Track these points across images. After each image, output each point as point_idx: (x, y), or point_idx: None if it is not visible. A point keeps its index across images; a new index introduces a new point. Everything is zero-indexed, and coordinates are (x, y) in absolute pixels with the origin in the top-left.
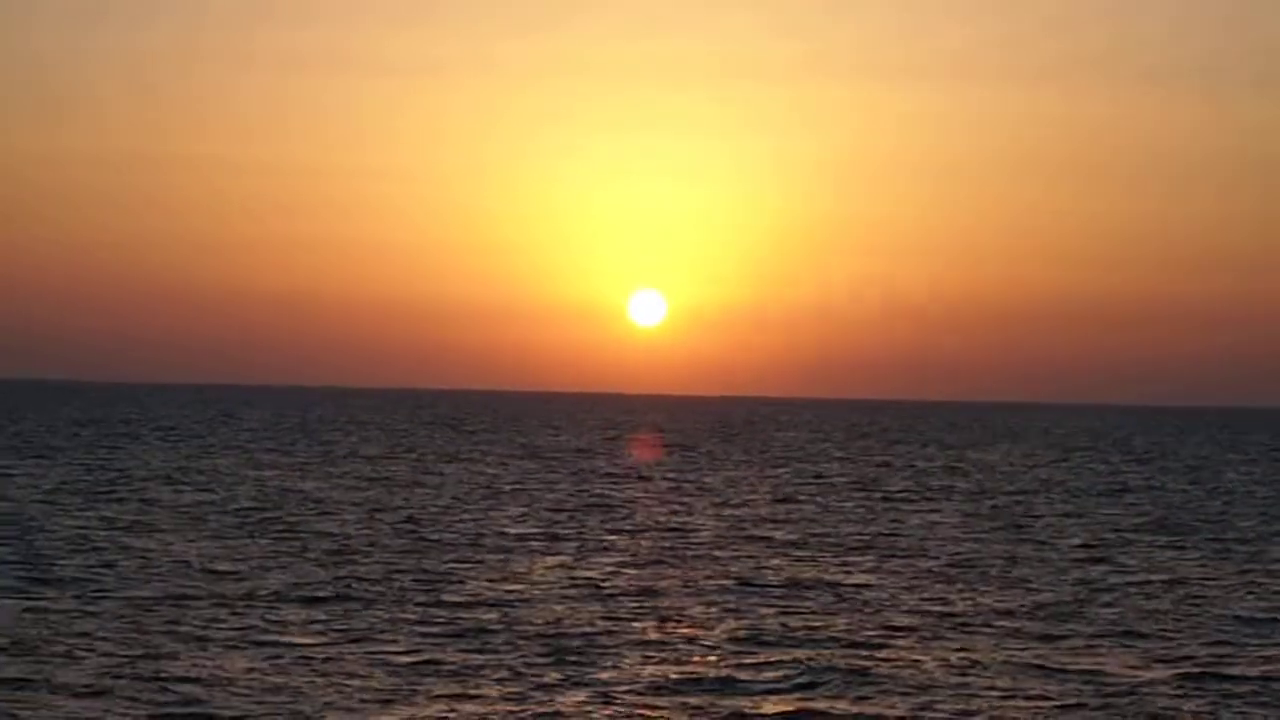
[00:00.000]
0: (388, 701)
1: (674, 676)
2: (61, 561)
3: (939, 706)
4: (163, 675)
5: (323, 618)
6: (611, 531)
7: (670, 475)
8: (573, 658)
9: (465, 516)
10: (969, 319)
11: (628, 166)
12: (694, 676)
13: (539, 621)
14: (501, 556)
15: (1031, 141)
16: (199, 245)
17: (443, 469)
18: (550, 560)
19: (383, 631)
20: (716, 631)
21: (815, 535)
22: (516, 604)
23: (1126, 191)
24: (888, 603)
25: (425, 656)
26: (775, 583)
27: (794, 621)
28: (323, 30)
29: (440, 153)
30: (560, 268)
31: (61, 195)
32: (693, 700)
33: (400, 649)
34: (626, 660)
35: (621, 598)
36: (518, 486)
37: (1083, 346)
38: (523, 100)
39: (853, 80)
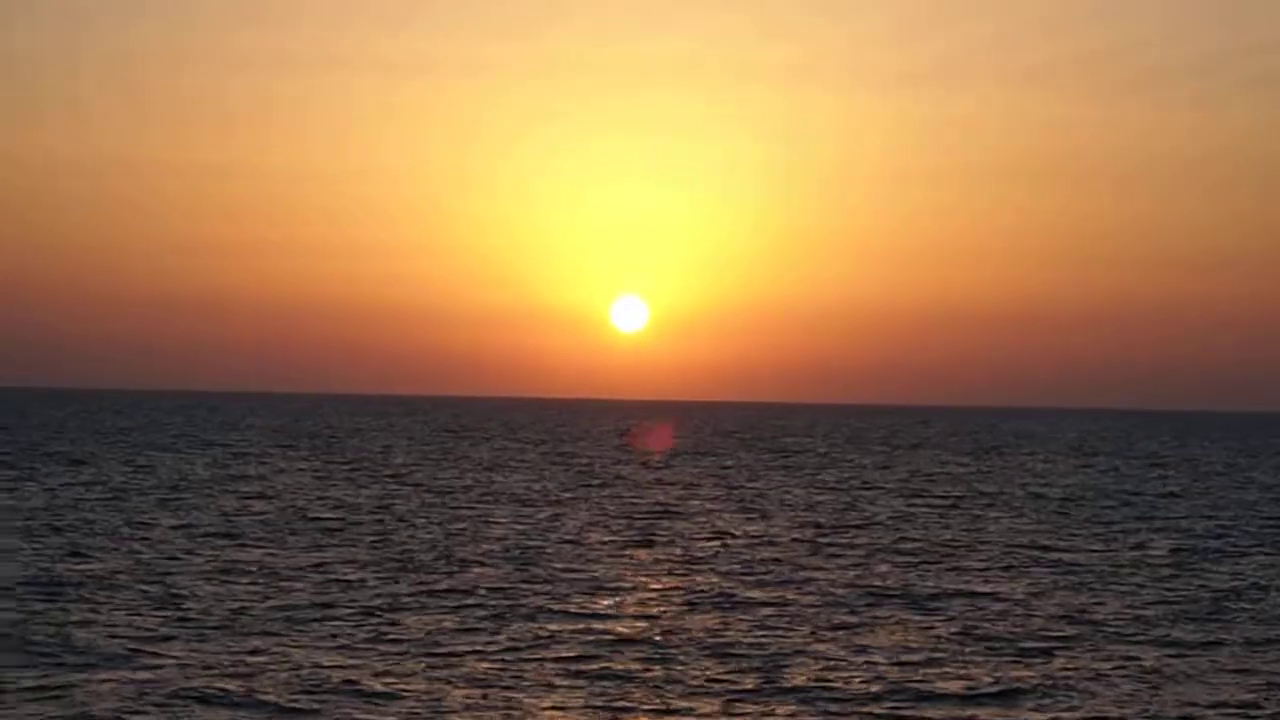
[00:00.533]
0: (607, 711)
1: (869, 687)
2: (174, 574)
3: (1155, 715)
4: (364, 690)
5: (479, 626)
6: (704, 539)
7: (719, 482)
8: (753, 666)
9: (544, 524)
10: (956, 324)
11: (611, 170)
12: (893, 686)
13: (697, 630)
14: (609, 565)
15: (1022, 146)
16: (181, 249)
17: (491, 477)
18: (662, 568)
19: (549, 639)
20: (880, 640)
21: (905, 541)
22: (661, 614)
23: (1116, 195)
24: (1027, 610)
25: (605, 665)
26: (898, 590)
27: (949, 629)
28: (307, 33)
29: (423, 155)
30: (543, 273)
31: (43, 198)
32: (905, 710)
33: (576, 655)
34: (811, 669)
35: (762, 607)
36: (573, 494)
37: (1072, 351)
38: (507, 103)
39: (841, 84)
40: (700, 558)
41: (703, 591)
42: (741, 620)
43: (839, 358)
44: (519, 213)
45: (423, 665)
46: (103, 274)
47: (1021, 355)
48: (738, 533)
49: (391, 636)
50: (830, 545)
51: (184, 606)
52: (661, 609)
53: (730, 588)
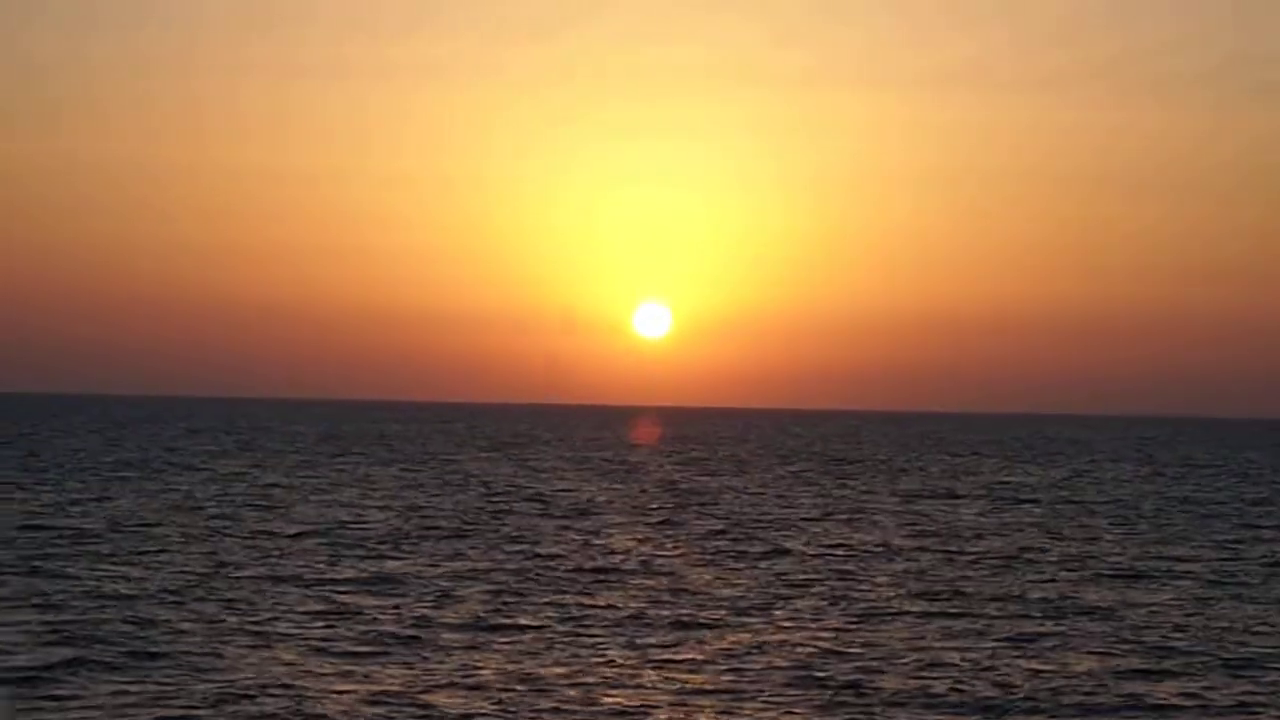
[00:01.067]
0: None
1: (1096, 698)
2: (330, 585)
3: None
4: (616, 707)
5: (673, 640)
6: (831, 548)
7: (805, 491)
8: (970, 677)
9: (662, 535)
10: (975, 329)
11: (631, 174)
12: (1123, 700)
13: (892, 643)
14: (756, 576)
15: (1036, 151)
16: (198, 253)
17: (582, 486)
18: (811, 579)
19: (756, 650)
20: (1079, 652)
21: (1029, 551)
22: (845, 625)
23: (1130, 200)
24: (1207, 622)
25: (826, 675)
26: (1059, 600)
27: (1139, 640)
28: (324, 36)
29: (442, 159)
30: (565, 278)
31: (60, 201)
32: None
33: (791, 665)
34: (1034, 681)
35: (939, 619)
36: (669, 505)
37: (1087, 356)
38: (526, 107)
39: (857, 89)
40: (843, 569)
41: (869, 602)
42: (927, 630)
43: (858, 364)
44: (540, 217)
45: (652, 679)
46: (119, 277)
47: (1041, 361)
48: (854, 542)
49: (598, 650)
50: (958, 555)
51: (363, 619)
52: (842, 621)
53: (891, 598)
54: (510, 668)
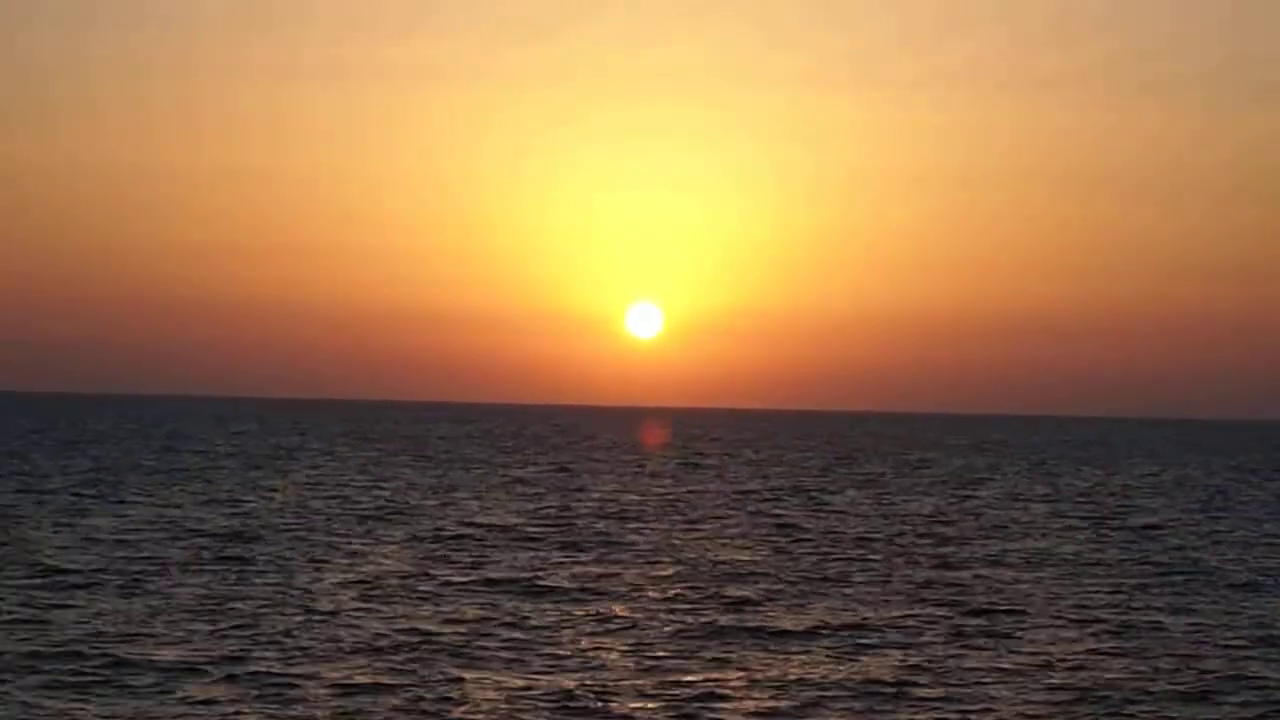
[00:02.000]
0: None
1: None
2: (566, 592)
3: None
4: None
5: (952, 649)
6: (1004, 554)
7: (906, 495)
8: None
9: (823, 540)
10: (968, 330)
11: (625, 176)
12: None
13: (1198, 650)
14: (983, 581)
15: (1031, 153)
16: (196, 253)
17: (684, 493)
18: (1026, 581)
19: (1031, 657)
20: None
21: (1211, 567)
22: (1124, 637)
23: (1125, 202)
24: None
25: (1081, 693)
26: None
27: None
28: (322, 37)
29: (436, 161)
30: (557, 279)
31: (56, 203)
32: None
33: (1103, 681)
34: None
35: (1243, 629)
36: (800, 505)
37: (1081, 359)
38: (520, 109)
39: (851, 91)
40: (1046, 576)
41: (1118, 610)
42: (1226, 642)
43: (850, 365)
44: (534, 218)
45: (974, 692)
46: (117, 278)
47: (1034, 362)
48: (1023, 549)
49: (897, 656)
50: (1147, 565)
51: (639, 624)
52: (1111, 627)
53: (1137, 609)
54: (826, 671)
